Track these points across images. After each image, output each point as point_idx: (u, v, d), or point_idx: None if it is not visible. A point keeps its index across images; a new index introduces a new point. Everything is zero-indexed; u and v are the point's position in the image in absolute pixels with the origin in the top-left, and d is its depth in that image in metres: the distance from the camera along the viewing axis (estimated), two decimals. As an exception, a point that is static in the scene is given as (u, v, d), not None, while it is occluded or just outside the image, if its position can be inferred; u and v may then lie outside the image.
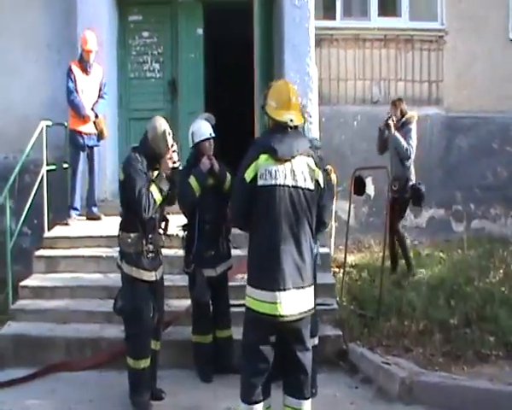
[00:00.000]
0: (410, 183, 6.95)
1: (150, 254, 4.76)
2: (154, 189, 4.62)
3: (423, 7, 9.29)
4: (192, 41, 8.57)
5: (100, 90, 7.60)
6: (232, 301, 5.41)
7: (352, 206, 7.45)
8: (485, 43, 8.97)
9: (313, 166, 3.90)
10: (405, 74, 9.03)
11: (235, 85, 9.78)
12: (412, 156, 6.97)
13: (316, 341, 4.85)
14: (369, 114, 8.61)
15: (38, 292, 6.18)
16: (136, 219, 4.65)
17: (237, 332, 5.32)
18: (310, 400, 3.98)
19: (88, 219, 7.52)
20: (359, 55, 8.95)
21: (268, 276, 3.78)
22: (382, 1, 9.09)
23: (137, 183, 4.57)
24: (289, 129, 3.88)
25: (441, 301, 6.19)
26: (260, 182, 3.80)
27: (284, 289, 3.75)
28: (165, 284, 5.10)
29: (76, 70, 7.44)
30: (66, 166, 7.75)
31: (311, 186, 3.87)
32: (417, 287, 6.58)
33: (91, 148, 7.52)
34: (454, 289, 6.45)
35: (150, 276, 4.77)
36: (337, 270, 7.18)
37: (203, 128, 5.35)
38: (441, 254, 7.89)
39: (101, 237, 6.70)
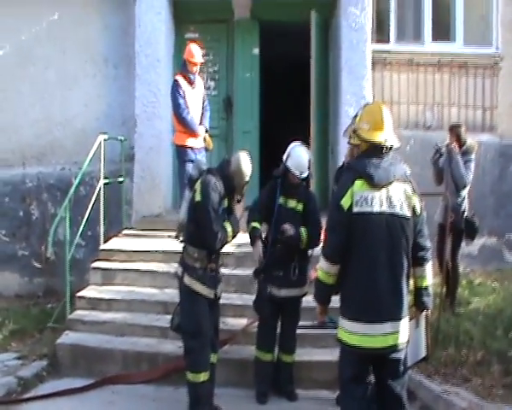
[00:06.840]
0: (465, 214, 6.71)
1: (212, 273, 4.81)
2: (228, 225, 4.77)
3: (478, 32, 9.14)
4: (248, 60, 8.59)
5: (203, 102, 7.43)
6: (301, 323, 5.34)
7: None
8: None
9: (410, 193, 3.75)
10: (459, 100, 8.90)
11: (289, 106, 9.79)
12: (468, 187, 6.77)
13: None
14: (421, 139, 8.53)
15: (95, 303, 6.24)
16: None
17: (303, 354, 5.42)
18: None
19: None
20: (412, 79, 8.90)
21: (364, 308, 3.66)
22: (436, 25, 9.00)
23: (212, 215, 4.64)
24: (384, 151, 3.72)
25: (499, 331, 6.07)
26: (356, 209, 3.65)
27: (381, 321, 3.65)
28: (222, 301, 5.10)
29: (183, 83, 7.18)
30: (120, 179, 7.83)
31: (408, 214, 3.71)
32: (473, 317, 6.47)
33: None
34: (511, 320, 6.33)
35: (210, 293, 4.80)
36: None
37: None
38: (494, 283, 7.74)
39: (156, 251, 6.73)
